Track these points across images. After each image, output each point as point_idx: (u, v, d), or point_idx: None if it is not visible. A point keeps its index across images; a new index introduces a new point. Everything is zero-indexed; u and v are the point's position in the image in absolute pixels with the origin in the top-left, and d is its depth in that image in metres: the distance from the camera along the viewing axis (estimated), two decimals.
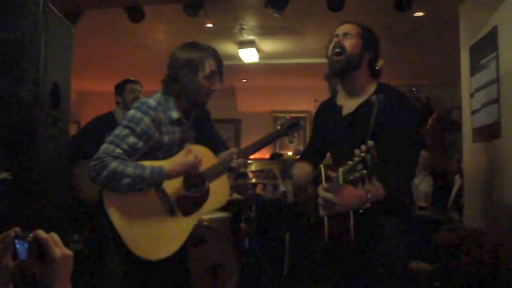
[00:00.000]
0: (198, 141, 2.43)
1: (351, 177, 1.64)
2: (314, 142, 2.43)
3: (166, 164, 2.21)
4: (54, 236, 1.05)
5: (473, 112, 3.67)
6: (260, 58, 6.75)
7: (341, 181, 1.67)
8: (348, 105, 2.17)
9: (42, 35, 2.23)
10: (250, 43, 6.21)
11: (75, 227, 3.07)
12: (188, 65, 2.28)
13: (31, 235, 1.02)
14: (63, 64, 2.53)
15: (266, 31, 5.75)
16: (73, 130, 3.94)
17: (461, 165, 4.48)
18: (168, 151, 2.29)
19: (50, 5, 2.29)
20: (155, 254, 2.20)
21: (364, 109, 2.08)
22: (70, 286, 1.06)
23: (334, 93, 2.34)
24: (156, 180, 2.18)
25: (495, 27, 3.26)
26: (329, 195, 1.77)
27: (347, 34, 2.13)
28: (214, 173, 2.39)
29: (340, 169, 1.67)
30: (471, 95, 3.70)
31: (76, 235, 2.95)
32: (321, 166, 2.10)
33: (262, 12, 4.31)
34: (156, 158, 2.24)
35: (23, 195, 2.14)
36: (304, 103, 8.45)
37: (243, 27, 5.55)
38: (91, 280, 3.10)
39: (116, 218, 2.12)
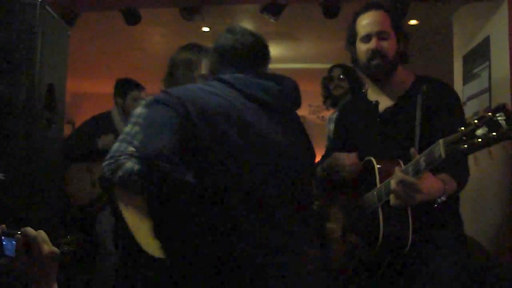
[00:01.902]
0: None
1: (467, 146, 1.31)
2: (337, 147, 2.14)
3: None
4: (42, 233, 1.06)
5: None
6: None
7: (443, 154, 1.38)
8: (384, 100, 1.96)
9: (39, 36, 2.23)
10: None
11: (68, 228, 3.07)
12: (185, 64, 2.32)
13: (19, 232, 1.03)
14: (59, 66, 2.53)
15: (262, 36, 5.77)
16: (67, 131, 3.92)
17: None
18: None
19: (46, 6, 2.30)
20: (162, 252, 2.22)
21: (405, 101, 1.89)
22: (55, 284, 1.07)
23: (359, 92, 2.16)
24: None
25: (488, 37, 3.30)
26: (412, 179, 1.51)
27: (383, 34, 1.88)
28: None
29: (441, 141, 1.40)
30: (464, 104, 3.73)
31: (68, 237, 2.95)
32: (372, 158, 1.84)
33: (258, 17, 4.32)
34: None
35: (16, 196, 2.14)
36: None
37: None
38: (83, 281, 3.10)
39: (128, 215, 2.11)
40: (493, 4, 3.23)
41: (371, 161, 1.84)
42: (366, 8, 1.93)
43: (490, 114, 1.28)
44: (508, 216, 2.97)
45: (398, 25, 1.93)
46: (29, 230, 1.04)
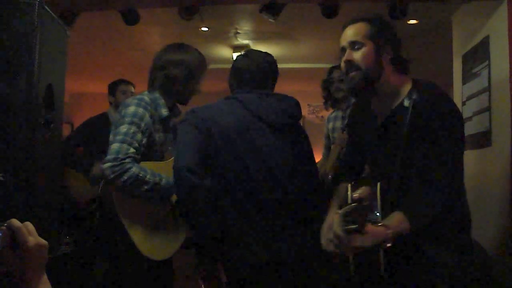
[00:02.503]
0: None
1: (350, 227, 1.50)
2: (352, 154, 2.13)
3: (164, 165, 2.23)
4: (29, 225, 1.05)
5: (465, 120, 3.70)
6: None
7: (339, 232, 1.54)
8: (383, 110, 1.88)
9: (37, 36, 2.22)
10: (244, 48, 6.22)
11: (66, 229, 3.07)
12: (189, 67, 2.36)
13: (5, 224, 1.02)
14: (57, 66, 2.52)
15: (260, 36, 5.77)
16: (66, 131, 3.96)
17: None
18: (159, 152, 2.30)
19: (45, 6, 2.29)
20: (160, 255, 2.22)
21: (396, 115, 1.80)
22: (45, 276, 1.06)
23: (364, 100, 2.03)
24: (170, 193, 2.20)
25: (487, 37, 3.29)
26: (343, 235, 1.55)
27: (355, 44, 1.81)
28: None
29: (340, 214, 1.54)
30: (463, 103, 3.74)
31: (67, 237, 2.94)
32: (348, 186, 1.83)
33: (257, 17, 4.32)
34: (148, 159, 2.24)
35: (15, 196, 2.13)
36: None
37: (238, 31, 5.57)
38: (80, 281, 3.09)
39: (126, 219, 2.11)
40: (492, 3, 3.23)
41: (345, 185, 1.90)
42: (346, 25, 1.89)
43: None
44: (508, 217, 2.97)
45: (379, 34, 1.82)
46: (14, 222, 1.02)
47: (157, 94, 2.32)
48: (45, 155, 2.37)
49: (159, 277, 2.34)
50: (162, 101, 2.32)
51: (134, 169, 2.06)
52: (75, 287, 2.90)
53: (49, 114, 2.39)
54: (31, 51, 2.20)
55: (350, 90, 1.86)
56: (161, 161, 2.29)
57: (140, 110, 2.19)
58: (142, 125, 2.17)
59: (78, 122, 4.29)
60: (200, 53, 2.43)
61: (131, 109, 2.19)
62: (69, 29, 2.73)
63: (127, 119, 2.16)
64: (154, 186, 2.12)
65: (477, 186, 3.45)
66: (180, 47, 2.41)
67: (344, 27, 1.88)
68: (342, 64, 1.85)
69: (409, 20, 4.76)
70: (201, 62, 2.40)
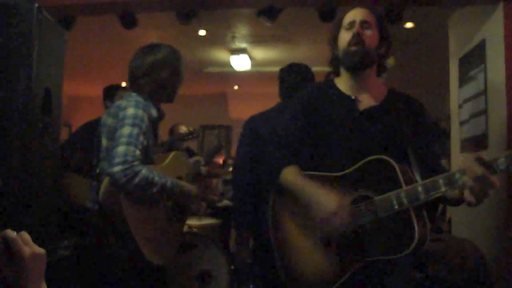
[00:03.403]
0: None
1: None
2: (306, 137, 1.97)
3: (160, 170, 2.23)
4: (24, 235, 1.04)
5: (461, 123, 3.72)
6: (252, 65, 6.79)
7: (503, 166, 1.48)
8: (366, 99, 1.91)
9: (35, 40, 2.23)
10: (242, 51, 6.25)
11: (66, 232, 3.06)
12: (175, 70, 2.36)
13: None
14: (55, 70, 2.53)
15: (258, 39, 5.79)
16: (64, 133, 3.96)
17: None
18: (151, 155, 2.28)
19: (43, 11, 2.30)
20: (162, 259, 2.23)
21: (389, 104, 1.91)
22: (43, 284, 1.05)
23: (330, 81, 2.05)
24: (174, 192, 2.20)
25: (484, 40, 3.31)
26: (491, 176, 1.49)
27: (365, 23, 1.88)
28: (190, 177, 2.55)
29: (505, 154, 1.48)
30: (460, 106, 3.75)
31: (66, 241, 2.94)
32: (395, 164, 1.70)
33: (254, 20, 4.34)
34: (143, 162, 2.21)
35: (13, 200, 2.13)
36: None
37: (235, 35, 5.59)
38: (80, 285, 3.09)
39: (132, 223, 2.08)
40: (488, 7, 3.25)
41: (383, 161, 1.73)
42: (354, 7, 1.96)
43: None
44: (503, 218, 2.98)
45: (383, 27, 1.93)
46: (8, 232, 1.02)
47: (145, 96, 2.30)
48: (43, 158, 2.37)
49: (157, 281, 2.34)
50: (150, 102, 2.31)
51: (144, 171, 2.03)
52: None
53: (47, 118, 2.40)
54: (29, 55, 2.21)
55: (350, 63, 1.89)
56: (151, 163, 2.28)
57: (140, 111, 2.16)
58: (143, 126, 2.13)
59: (76, 124, 4.30)
60: (173, 47, 2.43)
61: (131, 110, 2.15)
62: (66, 33, 2.74)
63: (129, 121, 2.11)
64: (162, 188, 2.11)
65: None
66: (154, 47, 2.40)
67: (350, 10, 1.94)
68: (347, 36, 1.88)
69: (405, 24, 4.79)
70: (178, 55, 2.41)
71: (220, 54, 6.49)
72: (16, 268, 1.01)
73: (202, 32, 5.38)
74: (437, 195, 1.62)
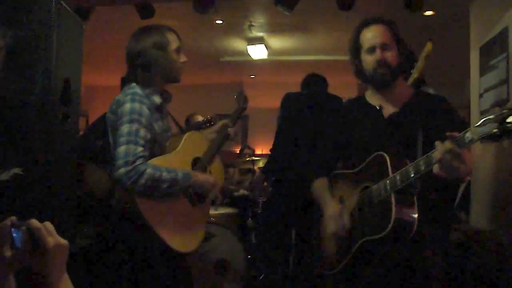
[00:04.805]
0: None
1: (497, 129, 1.50)
2: (335, 148, 2.30)
3: (174, 157, 2.23)
4: (48, 225, 1.05)
5: (482, 112, 3.66)
6: (268, 54, 6.76)
7: (475, 137, 1.56)
8: (388, 106, 2.13)
9: (54, 31, 2.24)
10: (259, 40, 6.21)
11: (85, 221, 3.10)
12: (155, 45, 2.30)
13: (24, 224, 1.03)
14: (74, 60, 2.54)
15: (275, 28, 5.76)
16: (81, 123, 3.98)
17: None
18: (161, 143, 2.27)
19: (61, 1, 2.31)
20: (188, 246, 2.23)
21: (408, 108, 2.09)
22: (66, 275, 1.07)
23: (362, 97, 2.28)
24: (188, 183, 2.18)
25: (506, 28, 3.24)
26: (459, 149, 1.60)
27: (385, 45, 2.07)
28: (212, 152, 2.47)
29: (471, 127, 1.59)
30: (480, 95, 3.69)
31: (85, 229, 2.97)
32: (383, 153, 1.95)
33: (271, 9, 4.31)
34: (152, 153, 2.19)
35: (33, 190, 2.16)
36: None
37: (252, 24, 5.56)
38: (98, 275, 3.13)
39: (152, 219, 2.07)
40: None
41: (381, 156, 1.96)
42: (368, 23, 2.12)
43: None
44: None
45: (398, 37, 2.11)
46: (33, 222, 1.03)
47: (145, 84, 2.26)
48: (62, 148, 2.40)
49: (181, 273, 2.34)
50: (151, 89, 2.27)
51: (149, 170, 2.02)
52: (93, 281, 2.93)
53: (66, 108, 2.41)
54: (48, 46, 2.22)
55: (379, 84, 2.11)
56: (163, 151, 2.26)
57: (136, 105, 2.13)
58: (143, 120, 2.11)
59: (93, 114, 4.32)
60: (157, 25, 2.41)
61: (127, 106, 2.12)
62: (84, 24, 2.75)
63: (126, 118, 2.09)
64: (172, 183, 2.11)
65: (494, 178, 3.42)
66: (140, 32, 2.41)
67: (367, 24, 2.12)
68: (371, 61, 2.07)
69: (425, 12, 4.71)
70: (163, 31, 2.35)
71: (237, 43, 6.47)
72: (40, 258, 1.02)
73: (219, 21, 5.37)
74: (417, 176, 1.78)
